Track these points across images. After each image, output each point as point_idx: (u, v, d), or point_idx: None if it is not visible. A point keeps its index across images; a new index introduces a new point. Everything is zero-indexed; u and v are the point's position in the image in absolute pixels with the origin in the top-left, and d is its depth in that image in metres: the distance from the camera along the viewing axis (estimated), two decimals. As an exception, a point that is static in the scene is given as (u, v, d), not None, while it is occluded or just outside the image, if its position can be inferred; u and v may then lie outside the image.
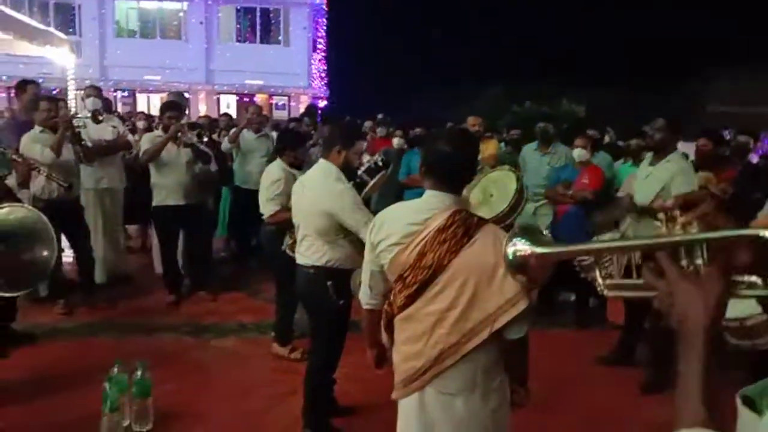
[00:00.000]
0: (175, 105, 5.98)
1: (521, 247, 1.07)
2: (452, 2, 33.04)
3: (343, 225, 3.19)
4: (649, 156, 4.59)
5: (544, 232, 1.14)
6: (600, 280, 1.07)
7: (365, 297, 2.39)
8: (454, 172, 2.15)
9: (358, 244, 3.21)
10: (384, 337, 2.33)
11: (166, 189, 5.58)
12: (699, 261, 0.92)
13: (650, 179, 4.36)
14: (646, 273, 0.96)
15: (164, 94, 20.60)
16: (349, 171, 3.39)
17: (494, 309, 1.99)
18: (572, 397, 4.11)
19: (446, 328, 2.04)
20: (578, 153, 5.47)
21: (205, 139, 6.06)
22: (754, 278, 0.93)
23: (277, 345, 4.66)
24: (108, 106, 7.27)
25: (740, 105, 23.20)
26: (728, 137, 6.97)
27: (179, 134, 5.49)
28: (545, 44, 31.17)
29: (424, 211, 2.13)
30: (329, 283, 3.24)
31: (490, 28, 31.93)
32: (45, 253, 3.55)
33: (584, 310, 5.65)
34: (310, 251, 3.35)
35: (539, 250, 1.06)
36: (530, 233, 1.10)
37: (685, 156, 9.42)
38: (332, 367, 3.47)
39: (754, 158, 6.07)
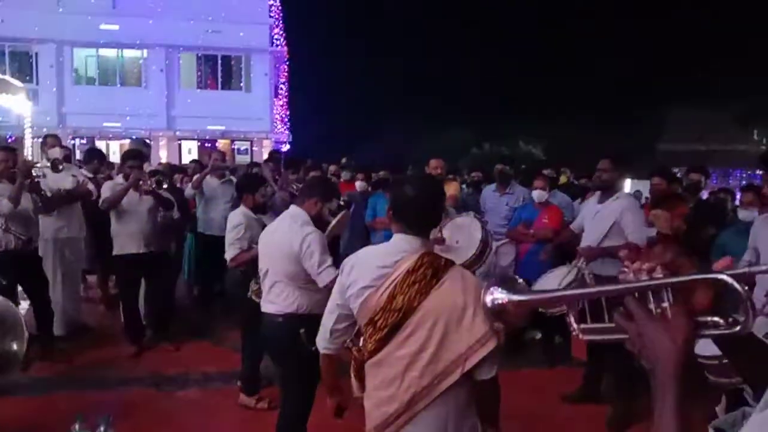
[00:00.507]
0: (137, 153, 5.95)
1: (498, 295, 1.12)
2: (412, 46, 33.92)
3: (305, 269, 3.19)
4: (596, 195, 4.75)
5: (519, 281, 1.20)
6: (575, 325, 1.12)
7: (323, 342, 2.37)
8: (421, 215, 2.20)
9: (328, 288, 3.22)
10: (354, 384, 2.32)
11: (127, 237, 5.50)
12: (665, 304, 0.98)
13: (599, 217, 4.52)
14: (617, 317, 1.02)
15: (124, 141, 20.44)
16: (318, 223, 3.42)
17: (465, 349, 2.02)
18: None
19: (418, 370, 2.05)
20: (537, 194, 5.63)
21: (165, 186, 6.01)
22: (717, 318, 0.99)
23: (243, 395, 4.57)
24: (68, 155, 7.18)
25: (689, 143, 24.18)
26: (679, 175, 7.25)
27: (140, 182, 5.45)
28: (504, 87, 32.15)
29: (393, 253, 2.16)
30: (301, 330, 3.21)
31: (449, 72, 32.80)
32: (14, 347, 3.33)
33: (550, 347, 5.72)
34: (280, 298, 3.33)
35: (516, 298, 1.12)
36: (507, 282, 1.18)
37: (639, 193, 9.72)
38: (305, 417, 3.38)
39: (705, 195, 6.34)
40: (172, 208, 5.77)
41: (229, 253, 4.46)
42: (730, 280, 0.95)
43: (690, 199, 5.88)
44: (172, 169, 8.67)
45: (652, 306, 0.99)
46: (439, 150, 8.03)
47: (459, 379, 2.05)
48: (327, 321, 2.34)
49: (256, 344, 4.19)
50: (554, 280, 4.16)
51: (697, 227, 4.99)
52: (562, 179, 8.43)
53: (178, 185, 7.59)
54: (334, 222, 3.66)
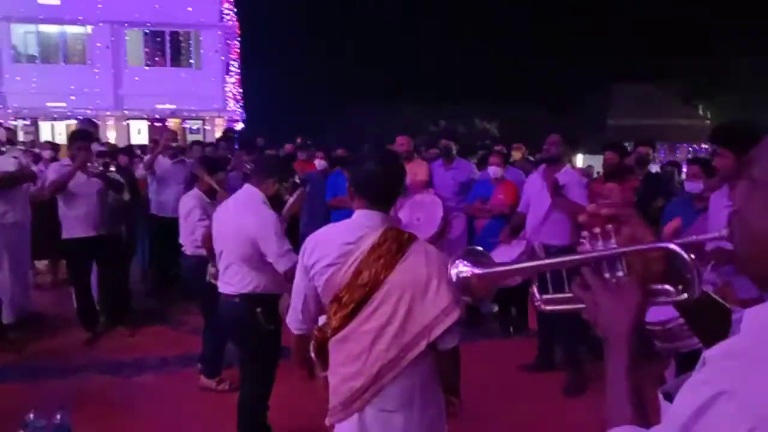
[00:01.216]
0: (84, 134, 5.75)
1: (463, 268, 1.16)
2: (368, 23, 33.58)
3: (262, 251, 3.16)
4: (540, 169, 4.89)
5: (485, 253, 1.21)
6: (537, 296, 1.15)
7: (296, 322, 2.36)
8: (382, 190, 2.21)
9: (286, 271, 3.20)
10: (316, 362, 2.32)
11: (76, 221, 5.33)
12: (620, 273, 1.02)
13: (545, 191, 4.64)
14: (574, 287, 1.06)
15: (70, 122, 19.70)
16: (275, 203, 3.38)
17: (430, 320, 2.06)
18: (500, 406, 4.24)
19: (385, 344, 2.08)
20: (493, 170, 5.71)
21: (113, 168, 5.82)
22: (667, 286, 1.03)
23: (204, 377, 4.52)
24: (11, 137, 6.88)
25: (637, 118, 24.79)
26: (629, 149, 7.44)
27: (88, 164, 5.27)
28: (459, 65, 32.25)
29: (356, 229, 2.17)
30: (258, 309, 3.19)
31: (405, 49, 32.65)
32: None
33: (507, 319, 5.85)
34: (235, 279, 3.28)
35: (479, 271, 1.15)
36: (472, 255, 1.19)
37: (591, 168, 9.93)
38: (266, 396, 3.39)
39: (653, 167, 6.53)
40: (122, 190, 5.61)
41: (190, 244, 4.41)
42: (677, 249, 0.98)
43: (639, 172, 6.06)
44: (114, 150, 8.40)
45: (607, 275, 1.02)
46: (397, 128, 8.01)
47: (424, 350, 2.09)
48: (296, 302, 2.33)
49: (217, 326, 4.15)
50: (506, 254, 4.26)
51: (647, 199, 5.15)
52: (517, 155, 8.53)
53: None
54: (291, 201, 3.63)
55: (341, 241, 2.15)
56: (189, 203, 4.54)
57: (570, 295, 1.08)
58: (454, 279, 1.17)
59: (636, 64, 29.13)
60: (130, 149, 9.47)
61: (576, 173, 4.95)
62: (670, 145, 26.28)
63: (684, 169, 5.90)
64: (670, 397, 0.87)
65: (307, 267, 2.22)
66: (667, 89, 29.26)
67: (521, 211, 5.05)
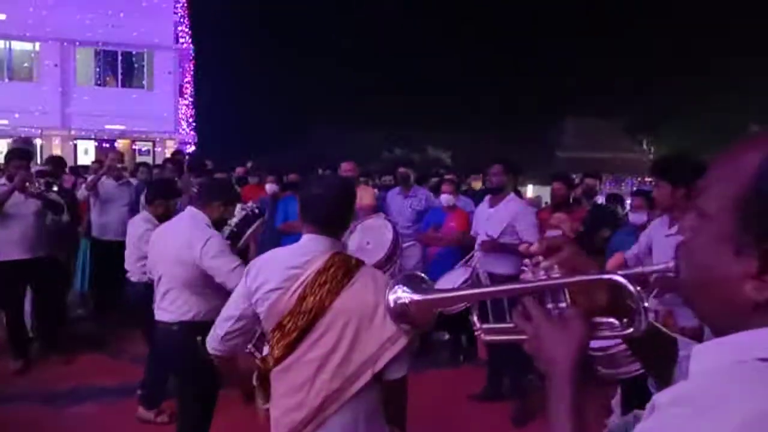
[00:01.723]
0: (23, 152, 5.53)
1: (401, 294, 1.10)
2: (324, 48, 33.80)
3: (206, 272, 3.05)
4: (486, 199, 4.95)
5: (426, 279, 1.17)
6: (477, 324, 1.10)
7: (213, 342, 2.24)
8: (329, 215, 2.16)
9: (227, 294, 3.10)
10: (258, 394, 2.23)
11: (10, 242, 5.08)
12: (563, 304, 0.98)
13: (493, 220, 4.70)
14: (515, 317, 1.01)
15: (11, 140, 18.98)
16: (218, 224, 3.29)
17: (376, 348, 2.00)
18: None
19: (329, 373, 2.02)
20: (445, 198, 5.75)
21: (55, 189, 5.55)
22: (612, 319, 1.00)
23: (142, 408, 4.32)
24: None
25: (585, 151, 25.60)
26: (576, 180, 7.64)
27: (27, 184, 5.05)
28: (413, 95, 32.73)
29: (303, 254, 2.11)
30: (198, 338, 3.06)
31: (359, 75, 32.95)
32: None
33: (457, 348, 5.84)
34: (175, 305, 3.15)
35: (417, 297, 1.09)
36: (411, 281, 1.13)
37: (539, 198, 10.10)
38: (204, 428, 3.23)
39: (600, 199, 6.71)
40: (62, 211, 5.38)
41: (136, 270, 4.26)
42: (623, 280, 0.94)
43: (586, 203, 6.21)
44: (57, 168, 8.07)
45: (550, 306, 0.98)
46: (351, 154, 8.01)
47: (369, 381, 2.02)
48: (220, 326, 2.21)
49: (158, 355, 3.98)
50: (450, 281, 4.25)
51: (593, 229, 5.27)
52: (476, 185, 8.66)
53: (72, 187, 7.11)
54: (248, 232, 3.52)
55: (287, 265, 2.09)
56: (140, 227, 4.36)
57: (511, 325, 1.04)
58: (391, 305, 1.11)
59: (584, 99, 30.22)
60: (76, 169, 9.16)
61: (522, 202, 5.01)
62: (616, 177, 27.21)
63: (628, 202, 6.08)
64: None
65: (250, 290, 2.13)
66: (614, 123, 30.41)
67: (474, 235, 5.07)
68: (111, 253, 5.54)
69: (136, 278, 4.40)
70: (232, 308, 2.20)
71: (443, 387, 5.08)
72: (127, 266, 4.48)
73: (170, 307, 3.17)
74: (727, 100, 27.64)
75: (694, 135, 27.80)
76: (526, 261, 1.03)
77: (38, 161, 15.23)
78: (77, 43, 21.27)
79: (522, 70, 33.56)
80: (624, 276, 0.95)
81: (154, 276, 3.29)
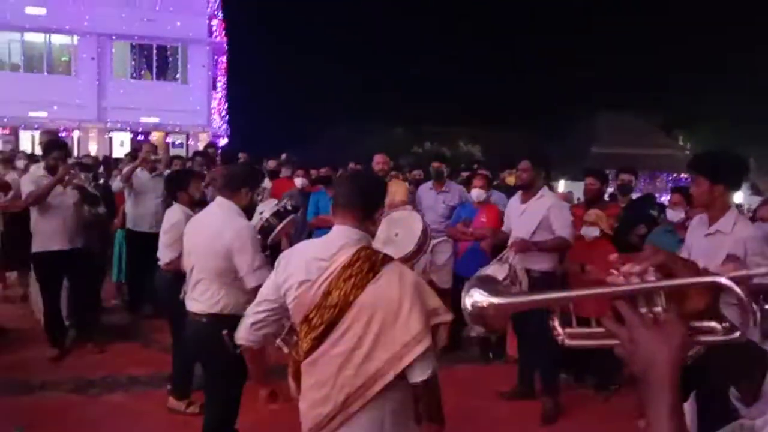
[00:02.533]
0: (62, 144, 5.60)
1: (479, 297, 1.07)
2: (356, 43, 33.83)
3: (235, 265, 3.05)
4: (517, 195, 4.84)
5: (499, 281, 1.14)
6: (559, 329, 1.06)
7: (245, 332, 2.22)
8: (359, 207, 2.16)
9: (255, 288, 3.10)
10: (291, 385, 2.23)
11: (49, 233, 5.17)
12: (658, 308, 0.93)
13: (526, 215, 4.61)
14: (607, 321, 0.97)
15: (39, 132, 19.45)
16: (248, 211, 3.29)
17: (400, 347, 1.97)
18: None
19: (352, 369, 2.00)
20: (476, 193, 5.67)
21: (92, 182, 5.64)
22: (713, 323, 0.95)
23: (173, 399, 4.37)
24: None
25: (620, 147, 25.12)
26: (610, 177, 7.46)
27: (68, 176, 5.13)
28: (446, 88, 32.56)
29: (331, 246, 2.10)
30: (225, 332, 3.07)
31: (393, 71, 32.91)
32: None
33: (486, 345, 5.77)
34: (204, 296, 3.17)
35: (496, 301, 1.06)
36: (487, 284, 1.10)
37: (571, 194, 9.92)
38: (231, 421, 3.25)
39: (635, 195, 6.54)
40: (99, 203, 5.47)
41: (166, 256, 4.26)
42: (730, 283, 0.90)
43: (622, 200, 6.06)
44: (97, 163, 8.25)
45: (644, 310, 0.94)
46: (381, 148, 7.99)
47: (394, 381, 1.99)
48: (249, 315, 2.22)
49: (186, 345, 4.01)
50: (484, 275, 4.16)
51: (629, 226, 5.14)
52: (510, 180, 8.55)
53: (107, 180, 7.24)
54: (279, 227, 3.52)
55: (314, 256, 2.09)
56: (176, 215, 4.40)
57: (598, 330, 1.00)
58: (469, 308, 1.07)
59: (619, 94, 29.67)
60: (107, 161, 9.32)
61: (556, 197, 4.88)
62: (651, 173, 26.64)
63: (664, 199, 5.92)
64: None
65: (278, 282, 2.15)
66: (649, 119, 29.82)
67: (505, 230, 4.98)
68: (145, 244, 5.60)
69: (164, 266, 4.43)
70: (261, 297, 2.22)
71: (472, 383, 5.04)
72: (161, 257, 4.53)
73: (200, 298, 3.19)
74: (766, 95, 26.85)
75: (732, 131, 27.07)
76: (616, 265, 0.99)
77: (76, 154, 15.59)
78: (113, 37, 21.66)
79: (557, 63, 33.09)
80: (730, 279, 0.90)
81: (186, 267, 3.31)
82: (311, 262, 2.08)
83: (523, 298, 1.12)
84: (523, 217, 4.64)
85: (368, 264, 2.03)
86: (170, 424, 4.19)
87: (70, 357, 5.32)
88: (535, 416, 4.43)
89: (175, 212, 4.42)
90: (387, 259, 2.10)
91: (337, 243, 2.10)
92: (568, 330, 1.06)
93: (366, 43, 33.85)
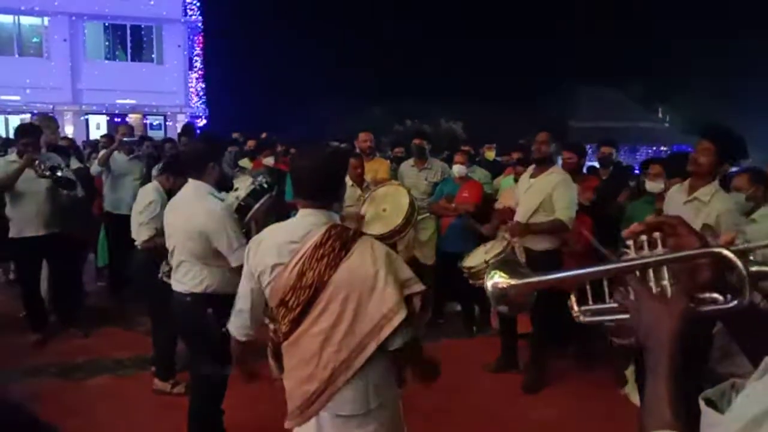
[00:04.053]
0: (32, 129, 5.46)
1: (499, 279, 1.13)
2: (333, 21, 33.40)
3: (215, 247, 3.04)
4: (530, 169, 4.71)
5: (520, 262, 1.19)
6: (576, 307, 1.11)
7: (243, 328, 2.30)
8: (319, 187, 2.14)
9: (240, 267, 3.08)
10: (272, 365, 2.25)
11: (24, 219, 5.12)
12: (665, 282, 0.99)
13: (531, 191, 4.49)
14: (617, 295, 1.03)
15: (25, 116, 19.07)
16: (223, 184, 3.25)
17: (378, 318, 2.01)
18: (462, 405, 4.22)
19: (335, 345, 2.03)
20: (457, 169, 5.68)
21: (60, 173, 5.37)
22: (716, 294, 1.00)
23: (158, 380, 4.37)
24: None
25: (599, 120, 25.25)
26: (590, 150, 7.49)
27: (35, 163, 5.03)
28: (425, 64, 32.31)
29: (300, 228, 2.11)
30: (209, 310, 3.07)
31: (371, 47, 32.59)
32: None
33: (470, 319, 5.84)
34: (187, 277, 3.17)
35: (516, 282, 1.13)
36: (507, 266, 1.17)
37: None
38: (218, 400, 3.27)
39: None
40: (75, 187, 5.38)
41: (141, 235, 4.22)
42: (730, 255, 0.95)
43: (603, 172, 6.12)
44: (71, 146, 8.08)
45: (652, 284, 1.00)
46: (362, 126, 7.93)
47: (375, 352, 2.03)
48: (243, 306, 2.25)
49: (167, 327, 4.00)
50: (482, 255, 4.16)
51: (609, 198, 5.19)
52: (489, 155, 8.56)
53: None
54: (256, 206, 3.47)
55: (285, 240, 2.10)
56: (149, 196, 4.36)
57: (612, 305, 1.06)
58: (490, 289, 1.14)
59: (597, 67, 29.70)
60: (74, 145, 9.17)
61: (566, 174, 4.70)
62: (631, 146, 26.85)
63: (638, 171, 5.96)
64: (713, 404, 0.85)
65: (252, 267, 2.16)
66: (629, 91, 29.97)
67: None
68: (125, 226, 5.54)
69: (142, 246, 4.41)
70: (244, 287, 2.24)
71: (457, 357, 5.09)
72: (136, 236, 4.50)
73: (184, 279, 3.19)
74: (744, 67, 27.11)
75: (710, 103, 27.32)
76: (629, 241, 1.04)
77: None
78: (85, 18, 21.16)
79: (534, 36, 32.96)
80: (731, 251, 0.96)
81: (168, 247, 3.29)
82: (283, 245, 2.08)
83: (541, 277, 1.15)
84: (528, 192, 4.52)
85: (339, 242, 2.03)
86: (157, 405, 4.20)
87: (54, 342, 5.29)
88: (519, 388, 4.51)
89: (150, 191, 4.39)
90: (357, 234, 2.11)
91: (305, 225, 2.11)
92: (584, 307, 1.11)
93: (345, 19, 33.46)
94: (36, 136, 5.30)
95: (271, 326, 2.17)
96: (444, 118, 26.56)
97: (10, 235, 5.17)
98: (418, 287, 2.11)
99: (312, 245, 2.03)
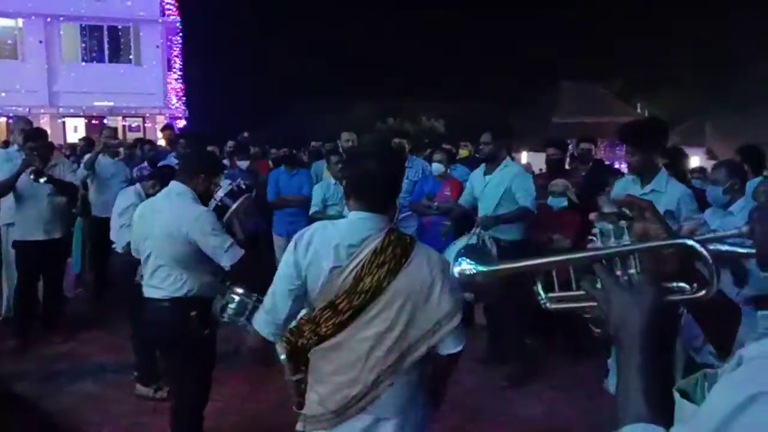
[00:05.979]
0: (38, 134, 5.36)
1: (466, 266, 1.14)
2: (314, 19, 33.30)
3: (202, 251, 3.01)
4: (481, 167, 4.90)
5: (488, 251, 1.21)
6: (542, 294, 1.11)
7: (274, 327, 2.07)
8: (382, 191, 2.08)
9: (219, 270, 3.06)
10: (287, 366, 2.14)
11: (27, 223, 5.16)
12: (632, 271, 0.99)
13: (490, 187, 4.67)
14: (585, 284, 1.03)
15: (0, 119, 18.75)
16: (204, 198, 3.23)
17: (432, 325, 2.01)
18: (450, 397, 4.23)
19: (383, 350, 2.00)
20: (436, 167, 5.70)
21: (43, 180, 5.30)
22: (682, 284, 1.01)
23: (140, 385, 4.34)
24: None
25: (580, 116, 25.42)
26: (571, 146, 7.56)
27: (33, 168, 4.98)
28: (407, 63, 32.33)
29: (360, 232, 2.03)
30: (193, 314, 3.03)
31: (353, 46, 32.53)
32: None
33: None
34: (166, 282, 3.07)
35: (482, 269, 1.14)
36: (475, 253, 1.18)
37: (529, 165, 10.04)
38: (201, 407, 3.20)
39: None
40: (76, 192, 5.38)
41: (123, 239, 4.18)
42: (695, 244, 0.96)
43: (583, 168, 6.17)
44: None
45: (619, 273, 1.00)
46: (344, 125, 7.92)
47: (423, 356, 2.04)
48: (280, 305, 2.05)
49: (145, 332, 3.96)
50: (456, 250, 4.20)
51: (591, 193, 5.24)
52: (464, 153, 8.60)
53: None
54: (233, 207, 3.45)
55: (343, 243, 2.02)
56: (128, 200, 4.32)
57: (579, 293, 1.06)
58: (457, 276, 1.15)
59: (578, 61, 29.91)
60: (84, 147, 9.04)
61: (519, 167, 4.97)
62: (611, 141, 27.08)
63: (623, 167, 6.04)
64: (686, 395, 0.85)
65: (300, 265, 2.02)
66: (609, 86, 30.22)
67: (462, 204, 5.03)
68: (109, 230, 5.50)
69: (121, 250, 4.37)
70: (282, 285, 2.07)
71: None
72: (112, 237, 4.46)
73: (161, 285, 3.09)
74: (722, 61, 27.46)
75: (688, 97, 27.66)
76: (595, 230, 1.04)
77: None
78: (61, 18, 20.85)
79: (516, 33, 33.11)
80: (697, 241, 0.96)
81: (141, 253, 3.20)
82: (340, 248, 2.01)
83: (508, 265, 1.16)
84: (487, 189, 4.70)
85: (400, 248, 2.01)
86: (139, 410, 4.16)
87: (36, 347, 5.23)
88: (504, 381, 4.55)
89: (130, 195, 4.36)
90: (414, 240, 2.11)
91: (364, 229, 2.04)
92: (551, 294, 1.11)
93: (324, 18, 33.36)
94: (42, 140, 5.27)
95: (306, 328, 2.05)
96: (425, 116, 26.59)
97: (14, 237, 5.21)
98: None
99: (371, 250, 2.00)
